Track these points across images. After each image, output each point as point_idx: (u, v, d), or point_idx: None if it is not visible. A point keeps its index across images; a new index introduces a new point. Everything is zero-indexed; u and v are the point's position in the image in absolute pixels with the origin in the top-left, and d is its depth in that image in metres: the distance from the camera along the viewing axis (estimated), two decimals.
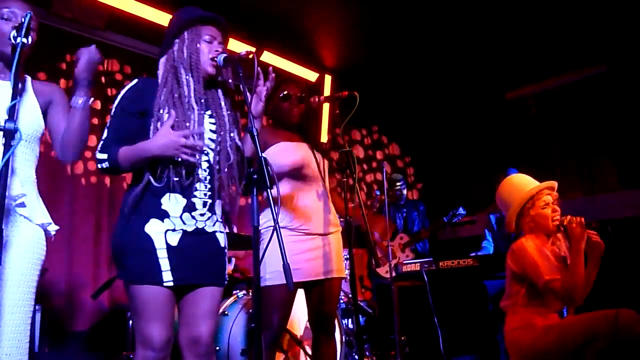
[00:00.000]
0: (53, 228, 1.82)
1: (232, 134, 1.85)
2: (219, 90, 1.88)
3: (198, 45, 1.79)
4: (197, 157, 1.69)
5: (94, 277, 3.89)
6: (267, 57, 5.16)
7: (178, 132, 1.64)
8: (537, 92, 6.06)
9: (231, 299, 3.31)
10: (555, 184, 2.60)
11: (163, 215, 1.70)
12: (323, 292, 2.40)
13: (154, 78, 1.82)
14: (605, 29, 4.98)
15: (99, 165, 1.71)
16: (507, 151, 6.16)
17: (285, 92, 2.46)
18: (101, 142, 1.72)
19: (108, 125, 1.75)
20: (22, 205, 1.73)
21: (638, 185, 4.75)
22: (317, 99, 2.52)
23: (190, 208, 1.73)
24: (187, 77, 1.77)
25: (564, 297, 2.34)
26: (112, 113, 1.77)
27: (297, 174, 2.39)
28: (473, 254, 4.22)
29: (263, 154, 2.33)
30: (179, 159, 1.68)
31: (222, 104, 1.87)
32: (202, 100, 1.79)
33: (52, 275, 3.57)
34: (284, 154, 2.38)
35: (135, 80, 1.82)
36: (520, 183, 2.64)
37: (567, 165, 5.89)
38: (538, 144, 6.09)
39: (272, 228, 2.26)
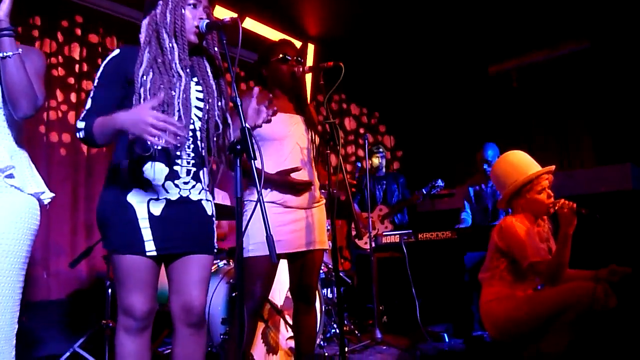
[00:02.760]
0: (47, 196, 1.78)
1: (219, 103, 1.82)
2: (204, 58, 1.83)
3: (183, 10, 1.72)
4: (165, 142, 1.50)
5: (71, 245, 3.85)
6: (249, 24, 5.05)
7: (150, 112, 1.47)
8: (520, 66, 6.08)
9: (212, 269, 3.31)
10: (553, 168, 2.62)
11: (145, 184, 1.68)
12: (305, 263, 2.42)
13: (136, 46, 1.74)
14: (589, 5, 4.98)
15: (77, 134, 1.66)
16: (488, 125, 6.21)
17: (282, 55, 2.41)
18: (83, 112, 1.66)
19: (91, 95, 1.68)
20: (11, 176, 1.69)
21: (614, 161, 4.83)
22: (300, 69, 2.48)
23: (173, 176, 1.71)
24: (171, 43, 1.71)
25: (548, 278, 2.40)
26: (95, 83, 1.69)
27: (284, 146, 2.37)
28: (457, 227, 4.28)
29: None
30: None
31: (209, 71, 1.82)
32: (188, 70, 1.74)
33: None
34: (275, 124, 2.34)
35: (118, 50, 1.75)
36: (521, 164, 2.64)
37: (545, 140, 5.97)
38: (518, 118, 6.15)
39: (255, 200, 2.26)
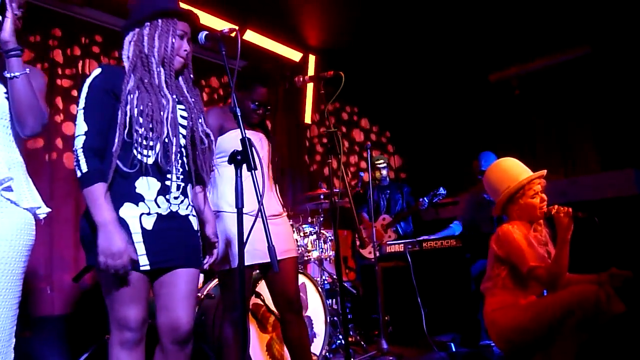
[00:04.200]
0: (43, 211, 1.76)
1: (200, 120, 1.86)
2: (180, 78, 1.87)
3: (173, 40, 1.77)
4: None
5: (75, 260, 3.84)
6: (250, 36, 5.08)
7: (123, 248, 1.57)
8: (521, 74, 6.09)
9: (215, 281, 3.30)
10: (545, 172, 2.62)
11: (137, 199, 1.68)
12: (282, 272, 2.38)
13: (118, 65, 1.80)
14: (590, 11, 4.99)
15: (75, 163, 1.63)
16: (490, 133, 6.20)
17: (258, 102, 2.41)
18: (83, 138, 1.62)
19: (84, 117, 1.64)
20: (9, 189, 1.67)
21: (617, 167, 4.81)
22: (301, 79, 2.49)
23: (164, 191, 1.73)
24: (159, 68, 1.76)
25: (547, 283, 2.38)
26: (83, 104, 1.66)
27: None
28: (442, 233, 4.29)
29: (218, 138, 2.32)
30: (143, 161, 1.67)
31: (185, 91, 1.86)
32: (174, 95, 1.79)
33: (32, 258, 3.46)
34: (234, 140, 2.29)
35: (99, 69, 1.74)
36: (512, 170, 2.64)
37: (549, 147, 5.95)
38: (521, 126, 6.14)
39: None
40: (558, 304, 2.30)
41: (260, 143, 2.48)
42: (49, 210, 1.77)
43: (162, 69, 1.76)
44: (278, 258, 2.31)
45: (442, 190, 4.68)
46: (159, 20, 1.76)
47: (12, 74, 1.63)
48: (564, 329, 2.26)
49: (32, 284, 3.59)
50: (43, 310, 3.63)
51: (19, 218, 1.69)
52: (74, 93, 4.09)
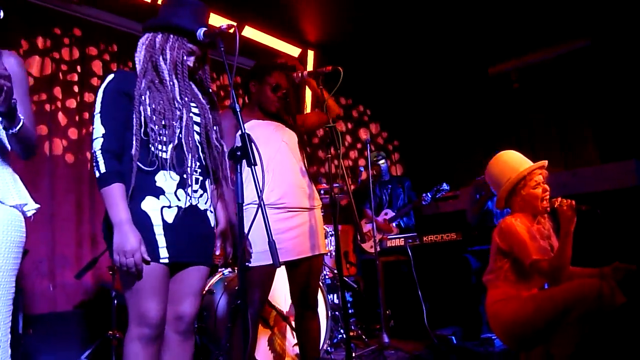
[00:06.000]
0: (29, 208, 1.75)
1: (215, 128, 1.89)
2: (193, 83, 1.91)
3: (184, 57, 1.80)
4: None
5: (76, 257, 3.85)
6: (249, 32, 5.07)
7: (136, 246, 1.61)
8: (520, 67, 6.07)
9: (217, 277, 3.31)
10: (546, 163, 2.62)
11: (158, 192, 1.71)
12: (308, 268, 2.41)
13: (130, 70, 1.82)
14: (589, 3, 4.97)
15: (94, 164, 1.67)
16: (490, 126, 6.20)
17: (276, 84, 2.43)
18: (101, 140, 1.67)
19: (101, 120, 1.69)
20: None
21: (617, 159, 4.81)
22: (300, 74, 2.48)
23: (183, 184, 1.75)
24: (172, 81, 1.79)
25: (550, 276, 2.38)
26: (99, 108, 1.71)
27: (269, 147, 2.37)
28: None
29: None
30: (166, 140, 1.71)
31: (197, 91, 1.90)
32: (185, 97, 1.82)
33: (34, 256, 3.52)
34: (252, 131, 2.35)
35: (112, 75, 1.78)
36: (513, 161, 2.63)
37: (549, 140, 5.94)
38: (520, 119, 6.13)
39: (255, 205, 2.26)
40: (560, 297, 2.30)
41: (288, 135, 2.50)
42: (37, 206, 1.76)
43: (175, 81, 1.80)
44: (308, 254, 2.37)
45: (445, 186, 4.67)
46: (171, 35, 1.79)
47: (12, 131, 1.60)
48: (566, 322, 2.26)
49: (34, 281, 3.60)
50: (45, 307, 3.64)
51: (5, 216, 1.68)
52: (76, 89, 4.09)
